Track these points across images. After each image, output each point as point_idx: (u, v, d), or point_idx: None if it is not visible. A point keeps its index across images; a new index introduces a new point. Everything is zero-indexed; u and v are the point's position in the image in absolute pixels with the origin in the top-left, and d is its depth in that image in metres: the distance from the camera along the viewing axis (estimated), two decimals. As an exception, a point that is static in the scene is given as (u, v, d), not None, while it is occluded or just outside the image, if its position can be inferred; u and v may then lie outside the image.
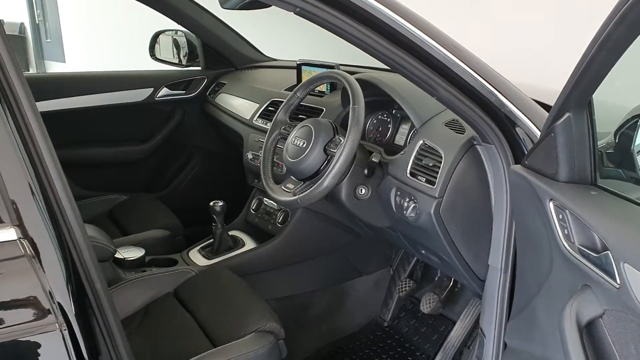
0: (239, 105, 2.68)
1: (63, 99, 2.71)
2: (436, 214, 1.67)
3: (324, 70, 2.16)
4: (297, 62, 2.48)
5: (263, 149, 2.04)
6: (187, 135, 3.08)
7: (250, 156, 2.44)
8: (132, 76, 2.97)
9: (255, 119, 2.50)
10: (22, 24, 8.05)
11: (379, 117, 2.17)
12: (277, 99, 2.48)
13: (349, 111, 1.75)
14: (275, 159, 2.06)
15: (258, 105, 2.53)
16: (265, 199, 2.50)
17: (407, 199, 1.76)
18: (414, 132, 1.94)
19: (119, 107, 2.86)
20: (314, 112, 2.26)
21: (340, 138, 1.79)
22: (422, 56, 1.39)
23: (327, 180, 1.70)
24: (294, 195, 1.82)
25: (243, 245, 2.33)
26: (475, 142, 1.67)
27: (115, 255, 2.04)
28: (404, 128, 2.07)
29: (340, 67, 2.33)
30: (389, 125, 2.13)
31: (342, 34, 1.32)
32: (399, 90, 1.89)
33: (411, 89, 1.85)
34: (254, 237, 2.39)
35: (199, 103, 3.05)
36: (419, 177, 1.73)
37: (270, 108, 2.47)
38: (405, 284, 2.41)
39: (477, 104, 1.46)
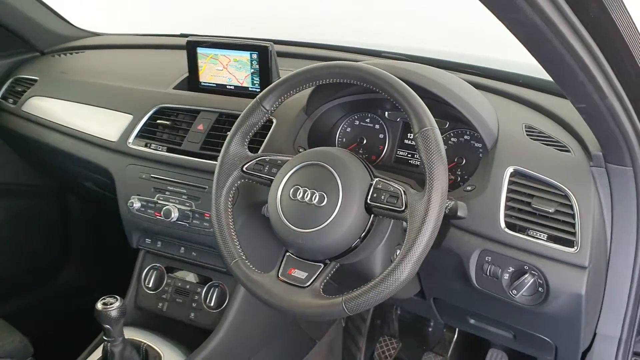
0: (81, 116, 1.62)
1: None
2: (588, 293, 1.03)
3: (319, 62, 1.14)
4: (188, 40, 1.53)
5: (214, 210, 1.15)
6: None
7: (137, 204, 1.45)
8: None
9: (131, 140, 1.50)
10: None
11: (360, 123, 1.41)
12: (166, 104, 1.51)
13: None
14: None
15: (131, 117, 1.53)
16: (177, 270, 1.55)
17: (512, 270, 1.08)
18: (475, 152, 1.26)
19: None
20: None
21: (392, 184, 1.02)
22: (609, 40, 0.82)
23: (408, 269, 0.94)
24: (318, 295, 1.01)
25: (160, 359, 1.38)
26: (592, 164, 1.11)
27: None
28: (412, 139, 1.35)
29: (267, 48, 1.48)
30: (383, 135, 1.38)
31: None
32: (457, 91, 1.16)
33: (464, 89, 1.18)
34: (169, 336, 1.45)
35: (-17, 113, 1.88)
36: (532, 232, 1.06)
37: (159, 121, 1.50)
38: (387, 345, 1.72)
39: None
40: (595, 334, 1.20)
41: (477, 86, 1.30)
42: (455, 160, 1.28)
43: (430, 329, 1.74)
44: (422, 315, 1.69)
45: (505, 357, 1.59)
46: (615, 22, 0.79)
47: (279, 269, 1.08)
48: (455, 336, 1.69)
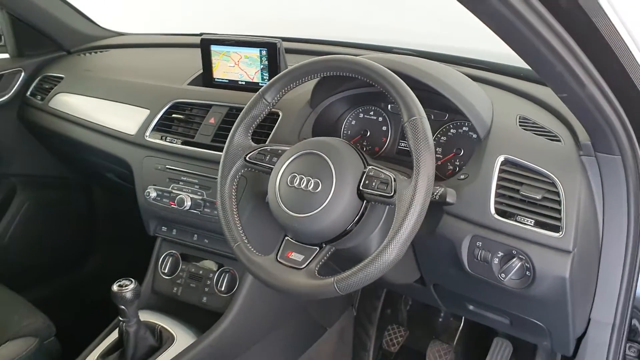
0: (103, 111, 1.72)
1: None
2: (572, 277, 1.07)
3: (320, 56, 1.20)
4: (202, 38, 1.61)
5: (219, 197, 1.22)
6: (1, 160, 2.00)
7: (153, 194, 1.54)
8: None
9: (148, 134, 1.59)
10: None
11: (364, 115, 1.46)
12: (181, 99, 1.60)
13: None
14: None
15: (148, 111, 1.62)
16: (191, 256, 1.63)
17: (502, 254, 1.12)
18: (472, 141, 1.30)
19: None
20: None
21: (384, 172, 1.07)
22: (584, 31, 0.85)
23: (395, 251, 0.98)
24: (312, 276, 1.07)
25: (173, 340, 1.46)
26: (582, 153, 1.14)
27: None
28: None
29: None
30: (385, 127, 1.43)
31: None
32: (452, 83, 1.21)
33: (460, 81, 1.21)
34: (182, 319, 1.53)
35: (15, 109, 1.99)
36: (520, 218, 1.10)
37: (174, 115, 1.58)
38: (395, 333, 1.77)
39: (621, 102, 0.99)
40: (589, 320, 1.23)
41: (478, 79, 1.34)
42: (454, 150, 1.32)
43: (438, 319, 1.78)
44: (428, 303, 1.74)
45: (509, 346, 1.62)
46: (586, 11, 0.82)
47: (277, 252, 1.14)
48: (462, 325, 1.72)
